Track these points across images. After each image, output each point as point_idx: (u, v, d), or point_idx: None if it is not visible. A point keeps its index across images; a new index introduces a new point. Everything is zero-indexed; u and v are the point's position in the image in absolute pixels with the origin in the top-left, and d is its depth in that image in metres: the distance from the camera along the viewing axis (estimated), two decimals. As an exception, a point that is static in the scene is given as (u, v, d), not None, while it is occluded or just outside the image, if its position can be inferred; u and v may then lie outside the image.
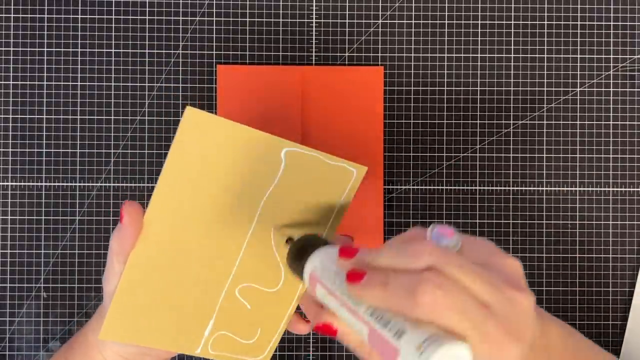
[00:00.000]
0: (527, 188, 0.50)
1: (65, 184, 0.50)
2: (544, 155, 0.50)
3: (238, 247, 0.36)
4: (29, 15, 0.50)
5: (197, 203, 0.34)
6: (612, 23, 0.50)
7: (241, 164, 0.34)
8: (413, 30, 0.50)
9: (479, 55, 0.50)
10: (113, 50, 0.50)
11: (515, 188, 0.50)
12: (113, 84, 0.50)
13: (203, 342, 0.38)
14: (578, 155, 0.50)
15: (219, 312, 0.37)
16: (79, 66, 0.50)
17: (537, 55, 0.50)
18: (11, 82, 0.50)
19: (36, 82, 0.50)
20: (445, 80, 0.50)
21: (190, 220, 0.35)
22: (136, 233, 0.34)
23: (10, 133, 0.50)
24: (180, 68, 0.50)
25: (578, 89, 0.50)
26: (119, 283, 0.34)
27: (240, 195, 0.35)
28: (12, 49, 0.50)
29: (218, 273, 0.37)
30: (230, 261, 0.36)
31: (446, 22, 0.50)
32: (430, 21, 0.50)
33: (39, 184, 0.50)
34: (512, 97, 0.50)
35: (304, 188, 0.36)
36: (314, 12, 0.50)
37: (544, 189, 0.50)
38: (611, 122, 0.50)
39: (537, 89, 0.50)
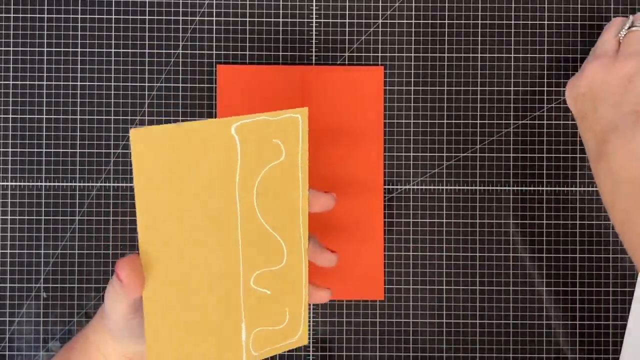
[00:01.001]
0: (527, 188, 0.50)
1: (65, 184, 0.50)
2: (544, 155, 0.50)
3: (235, 239, 0.36)
4: (29, 15, 0.50)
5: (182, 216, 0.34)
6: (612, 23, 0.50)
7: (203, 159, 0.34)
8: (413, 30, 0.50)
9: (479, 55, 0.50)
10: (113, 50, 0.50)
11: (515, 188, 0.50)
12: (113, 84, 0.50)
13: (244, 348, 0.38)
14: (578, 155, 0.50)
15: (245, 311, 0.37)
16: (79, 66, 0.50)
17: (537, 55, 0.50)
18: (11, 82, 0.50)
19: (36, 82, 0.50)
20: (445, 80, 0.50)
21: (183, 237, 0.34)
22: (140, 286, 0.33)
23: (10, 133, 0.50)
24: (180, 68, 0.50)
25: (578, 89, 0.50)
26: (145, 326, 0.34)
27: (216, 188, 0.35)
28: (12, 49, 0.50)
29: (228, 274, 0.36)
30: (234, 257, 0.36)
31: (446, 22, 0.50)
32: (430, 21, 0.50)
33: (39, 184, 0.50)
34: (512, 97, 0.50)
35: (266, 154, 0.36)
36: (314, 12, 0.50)
37: (544, 189, 0.50)
38: (611, 122, 0.50)
39: (537, 89, 0.50)
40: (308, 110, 0.36)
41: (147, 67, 0.50)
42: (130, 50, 0.50)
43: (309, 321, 0.50)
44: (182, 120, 0.50)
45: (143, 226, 0.33)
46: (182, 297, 0.35)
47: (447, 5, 0.50)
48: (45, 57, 0.50)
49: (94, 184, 0.50)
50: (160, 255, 0.34)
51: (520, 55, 0.50)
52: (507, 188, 0.50)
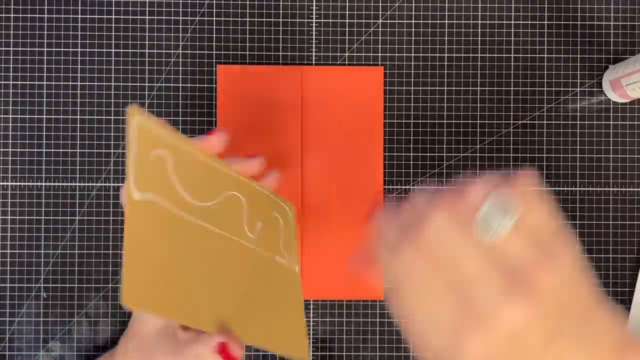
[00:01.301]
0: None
1: (65, 184, 0.50)
2: (544, 155, 0.50)
3: (217, 235, 0.37)
4: (29, 15, 0.50)
5: (190, 282, 0.34)
6: (612, 23, 0.50)
7: (165, 219, 0.33)
8: (413, 30, 0.50)
9: (479, 55, 0.50)
10: (113, 50, 0.50)
11: (515, 188, 0.50)
12: (113, 84, 0.50)
13: (299, 271, 0.43)
14: (578, 155, 0.50)
15: (283, 247, 0.42)
16: (79, 66, 0.50)
17: (537, 55, 0.50)
18: (11, 82, 0.50)
19: (36, 82, 0.50)
20: (445, 80, 0.50)
21: (207, 282, 0.35)
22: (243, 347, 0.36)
23: (10, 133, 0.50)
24: (180, 68, 0.50)
25: (578, 89, 0.50)
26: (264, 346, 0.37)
27: (185, 242, 0.35)
28: (12, 49, 0.50)
29: (240, 256, 0.38)
30: (232, 243, 0.38)
31: (446, 22, 0.50)
32: (430, 21, 0.50)
33: (39, 184, 0.50)
34: (512, 97, 0.50)
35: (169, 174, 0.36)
36: (314, 12, 0.50)
37: (544, 189, 0.50)
38: (611, 122, 0.50)
39: (537, 89, 0.50)
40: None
41: (147, 67, 0.50)
42: (130, 50, 0.50)
43: (309, 322, 0.50)
44: (182, 121, 0.50)
45: (184, 318, 0.33)
46: (248, 302, 0.37)
47: (447, 5, 0.50)
48: (45, 57, 0.50)
49: (94, 184, 0.50)
50: (213, 309, 0.35)
51: (520, 55, 0.50)
52: (507, 188, 0.50)
